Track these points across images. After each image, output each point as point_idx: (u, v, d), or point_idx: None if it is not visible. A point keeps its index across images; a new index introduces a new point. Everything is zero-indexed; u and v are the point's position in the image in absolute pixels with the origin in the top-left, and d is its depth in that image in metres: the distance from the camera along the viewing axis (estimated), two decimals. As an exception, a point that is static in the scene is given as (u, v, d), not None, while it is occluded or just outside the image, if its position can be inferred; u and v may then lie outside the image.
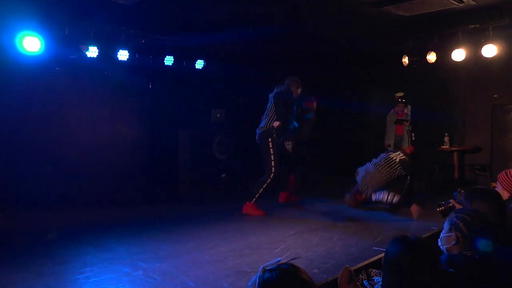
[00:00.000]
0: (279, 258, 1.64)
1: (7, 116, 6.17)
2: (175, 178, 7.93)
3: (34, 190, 5.90)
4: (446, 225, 2.34)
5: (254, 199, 5.71)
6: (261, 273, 1.56)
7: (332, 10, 6.25)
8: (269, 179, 5.65)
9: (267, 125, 5.88)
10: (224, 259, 3.92)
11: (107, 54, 6.57)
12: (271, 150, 5.70)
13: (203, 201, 6.86)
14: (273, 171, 5.66)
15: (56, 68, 6.69)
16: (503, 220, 2.64)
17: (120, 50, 6.68)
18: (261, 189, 5.67)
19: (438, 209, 3.24)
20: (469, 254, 2.19)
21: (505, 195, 3.01)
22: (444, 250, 2.34)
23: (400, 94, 8.72)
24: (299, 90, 6.27)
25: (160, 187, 7.59)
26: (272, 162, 5.66)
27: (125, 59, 6.75)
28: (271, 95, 6.14)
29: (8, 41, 5.62)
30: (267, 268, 1.57)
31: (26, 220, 5.34)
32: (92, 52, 6.32)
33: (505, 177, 3.12)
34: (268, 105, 6.07)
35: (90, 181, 6.76)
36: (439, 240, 2.40)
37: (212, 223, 5.26)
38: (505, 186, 3.07)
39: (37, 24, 5.69)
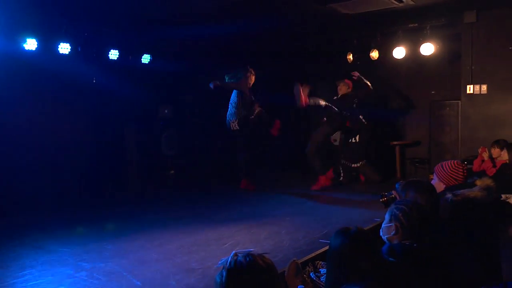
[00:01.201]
0: (251, 250, 1.65)
1: None
2: (121, 175, 7.74)
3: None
4: (387, 216, 2.44)
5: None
6: (233, 256, 1.56)
7: (279, 7, 6.33)
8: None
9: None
10: (172, 256, 3.87)
11: (47, 47, 6.27)
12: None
13: (150, 198, 6.74)
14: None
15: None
16: (437, 211, 2.79)
17: (61, 43, 6.39)
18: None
19: (380, 200, 3.37)
20: (407, 243, 2.30)
21: (441, 186, 3.16)
22: (385, 240, 2.44)
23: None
24: (253, 79, 6.89)
25: (106, 185, 7.37)
26: None
27: (67, 53, 6.47)
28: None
29: None
30: (239, 254, 1.58)
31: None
32: (31, 44, 6.01)
33: (441, 169, 3.26)
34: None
35: (30, 180, 6.43)
36: (380, 230, 2.50)
37: (160, 220, 5.18)
38: (441, 178, 3.22)
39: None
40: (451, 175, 3.18)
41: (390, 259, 2.20)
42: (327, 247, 3.69)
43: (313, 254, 3.68)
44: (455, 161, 3.27)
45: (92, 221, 5.19)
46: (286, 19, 6.93)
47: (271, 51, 8.77)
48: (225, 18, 6.55)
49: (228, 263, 1.54)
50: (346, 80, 7.31)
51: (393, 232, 2.36)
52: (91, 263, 3.71)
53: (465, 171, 3.22)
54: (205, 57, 8.52)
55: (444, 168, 3.24)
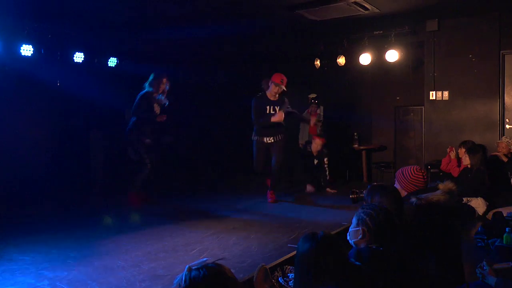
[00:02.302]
0: (205, 259, 1.64)
1: None
2: (86, 181, 7.54)
3: None
4: (354, 220, 2.47)
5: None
6: (187, 272, 1.54)
7: (247, 12, 6.35)
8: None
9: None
10: (139, 263, 3.80)
11: (9, 48, 6.06)
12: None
13: (117, 204, 6.58)
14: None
15: None
16: (402, 214, 2.84)
17: (24, 45, 6.20)
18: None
19: (351, 196, 3.41)
20: (374, 247, 2.34)
21: (402, 193, 3.18)
22: (352, 243, 2.47)
23: (313, 95, 9.06)
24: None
25: (69, 191, 7.16)
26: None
27: (29, 55, 6.28)
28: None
29: None
30: (194, 267, 1.56)
31: None
32: (-9, 46, 5.80)
33: (401, 176, 3.27)
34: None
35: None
36: (348, 234, 2.53)
37: (126, 226, 5.07)
38: (402, 184, 3.24)
39: None
40: (412, 182, 3.22)
41: (357, 263, 2.23)
42: (295, 252, 3.74)
43: (281, 259, 3.69)
44: (415, 167, 3.29)
45: (55, 229, 5.01)
46: (254, 24, 6.96)
47: (238, 56, 8.80)
48: (193, 22, 6.53)
49: (183, 281, 1.53)
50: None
51: (360, 236, 2.39)
52: (54, 272, 3.59)
53: (425, 176, 3.27)
54: (172, 61, 8.45)
55: (405, 174, 3.28)
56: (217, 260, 1.69)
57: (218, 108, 9.51)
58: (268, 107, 6.26)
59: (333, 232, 4.29)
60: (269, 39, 7.98)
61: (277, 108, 6.24)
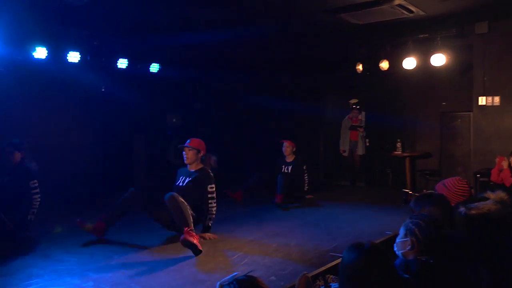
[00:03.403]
0: (235, 273, 1.63)
1: None
2: (130, 184, 7.69)
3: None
4: (401, 231, 2.37)
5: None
6: None
7: (287, 17, 6.31)
8: None
9: None
10: (180, 267, 3.81)
11: (57, 55, 6.30)
12: None
13: (158, 208, 6.66)
14: None
15: (0, 69, 6.35)
16: (452, 225, 2.71)
17: (71, 52, 6.42)
18: None
19: (404, 198, 3.31)
20: (423, 259, 2.23)
21: None
22: (400, 255, 2.37)
23: (354, 100, 8.93)
24: None
25: (114, 194, 7.32)
26: None
27: (76, 61, 6.50)
28: None
29: None
30: (225, 283, 1.55)
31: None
32: (40, 53, 6.04)
33: (444, 188, 3.09)
34: None
35: (41, 187, 6.42)
36: (394, 245, 2.43)
37: (166, 231, 5.11)
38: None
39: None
40: (457, 192, 3.09)
41: (405, 275, 2.13)
42: (338, 261, 3.64)
43: (323, 268, 3.61)
44: (457, 178, 3.18)
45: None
46: (294, 29, 6.92)
47: (278, 61, 8.77)
48: (234, 26, 6.55)
49: None
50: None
51: (409, 247, 2.29)
52: (98, 273, 3.66)
53: (468, 185, 3.14)
54: (214, 65, 8.53)
55: (448, 186, 3.14)
56: (248, 272, 1.70)
57: (255, 113, 9.54)
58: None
59: (377, 242, 4.16)
60: (310, 44, 7.90)
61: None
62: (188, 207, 4.41)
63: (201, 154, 4.91)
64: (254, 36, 6.98)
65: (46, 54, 6.11)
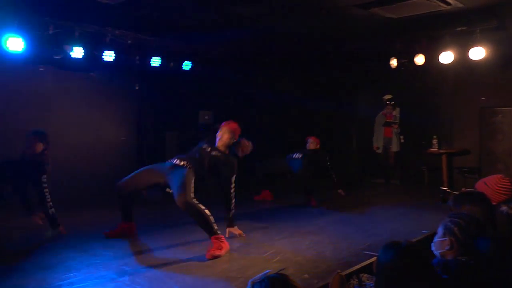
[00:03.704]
0: (267, 271, 1.63)
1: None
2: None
3: (15, 192, 5.73)
4: (439, 230, 2.30)
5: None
6: (250, 287, 1.53)
7: (319, 12, 6.22)
8: None
9: None
10: (213, 264, 3.83)
11: (93, 54, 6.45)
12: None
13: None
14: None
15: (40, 69, 6.56)
16: (494, 225, 2.61)
17: (106, 51, 6.57)
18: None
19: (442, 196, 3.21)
20: (463, 259, 2.15)
21: None
22: (438, 255, 2.30)
23: (388, 96, 8.75)
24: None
25: (146, 190, 7.45)
26: None
27: (111, 60, 6.64)
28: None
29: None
30: (256, 281, 1.55)
31: (9, 221, 5.18)
32: (77, 52, 6.20)
33: (485, 186, 2.99)
34: None
35: (75, 184, 6.62)
36: (432, 244, 2.36)
37: (198, 228, 5.15)
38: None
39: (19, 23, 5.55)
40: (498, 191, 2.98)
41: (444, 276, 2.06)
42: (372, 259, 3.57)
43: (357, 266, 3.55)
44: (499, 176, 3.07)
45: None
46: (326, 24, 6.82)
47: (311, 57, 8.68)
48: (265, 22, 6.52)
49: None
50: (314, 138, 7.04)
51: (447, 247, 2.22)
52: (134, 268, 3.73)
53: (511, 183, 3.00)
54: (245, 62, 8.53)
55: (489, 184, 3.03)
56: (280, 270, 1.69)
57: (289, 110, 9.48)
58: None
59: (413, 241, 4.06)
60: (342, 39, 7.77)
61: None
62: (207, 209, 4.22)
63: (234, 139, 4.74)
64: (285, 33, 6.94)
65: (83, 54, 6.26)
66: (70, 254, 4.09)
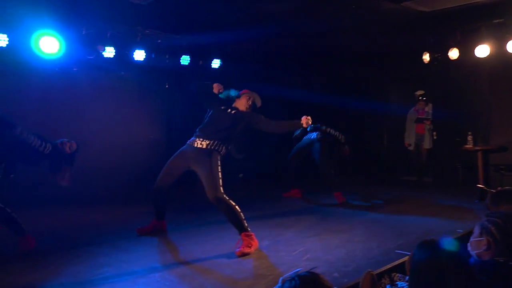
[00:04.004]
0: (298, 269, 1.60)
1: (25, 117, 6.19)
2: (192, 178, 7.87)
3: (50, 190, 5.90)
4: (476, 229, 2.22)
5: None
6: (280, 284, 1.51)
7: (349, 6, 6.13)
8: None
9: None
10: (242, 261, 3.83)
11: (124, 54, 6.57)
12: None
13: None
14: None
15: (74, 69, 6.72)
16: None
17: (137, 50, 6.68)
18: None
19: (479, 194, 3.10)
20: (501, 260, 2.06)
21: None
22: (474, 255, 2.22)
23: (420, 92, 8.55)
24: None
25: (177, 187, 7.53)
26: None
27: (142, 59, 6.75)
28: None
29: (27, 42, 5.66)
30: (287, 279, 1.52)
31: (43, 220, 5.34)
32: (109, 52, 6.33)
33: None
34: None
35: (107, 181, 6.76)
36: (468, 244, 2.27)
37: (228, 225, 5.17)
38: None
39: (54, 25, 5.71)
40: None
41: (482, 277, 1.98)
42: (404, 258, 3.49)
43: (389, 266, 3.47)
44: None
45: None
46: (357, 19, 6.70)
47: (341, 52, 8.56)
48: (292, 19, 6.47)
49: None
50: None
51: (484, 247, 2.13)
52: (164, 264, 3.77)
53: None
54: (273, 59, 8.49)
55: None
56: (311, 269, 1.66)
57: (318, 108, 9.37)
58: None
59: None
60: (373, 34, 7.63)
61: None
62: (237, 205, 4.17)
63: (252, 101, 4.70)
64: (314, 29, 6.86)
65: (114, 53, 6.38)
66: (103, 250, 4.17)
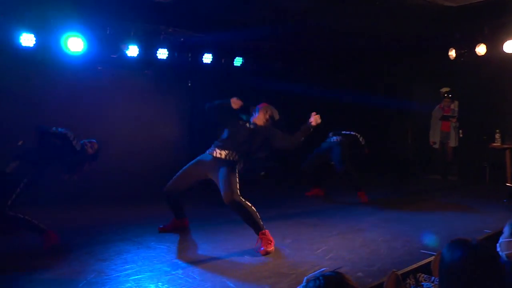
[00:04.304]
0: (323, 269, 1.58)
1: (51, 115, 6.32)
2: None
3: (74, 187, 6.00)
4: (506, 230, 2.15)
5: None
6: (305, 283, 1.49)
7: (373, 2, 6.04)
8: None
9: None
10: (264, 259, 3.83)
11: (147, 53, 6.62)
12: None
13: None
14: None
15: (98, 68, 6.81)
16: None
17: (160, 49, 6.73)
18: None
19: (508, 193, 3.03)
20: (534, 262, 2.00)
21: None
22: (504, 256, 2.15)
23: (446, 89, 8.40)
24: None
25: (199, 186, 7.57)
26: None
27: (165, 58, 6.80)
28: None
29: (53, 41, 5.77)
30: (311, 278, 1.50)
31: (70, 217, 5.44)
32: (133, 51, 6.39)
33: None
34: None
35: (131, 179, 6.83)
36: (497, 245, 2.21)
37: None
38: None
39: (80, 24, 5.81)
40: None
41: (512, 279, 1.92)
42: (430, 259, 3.42)
43: (414, 266, 3.41)
44: None
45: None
46: (381, 15, 6.60)
47: (364, 49, 8.45)
48: (316, 16, 6.41)
49: None
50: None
51: (516, 248, 2.07)
52: (187, 262, 3.79)
53: None
54: (297, 57, 8.45)
55: None
56: (336, 269, 1.63)
57: (342, 105, 9.29)
58: None
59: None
60: (398, 30, 7.50)
61: None
62: (253, 206, 4.21)
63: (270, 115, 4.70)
64: (338, 25, 6.79)
65: (138, 52, 6.45)
66: (127, 246, 4.23)
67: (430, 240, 4.30)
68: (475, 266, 1.69)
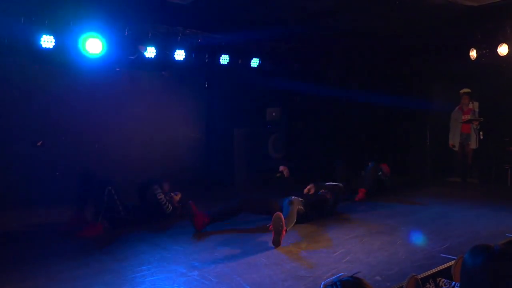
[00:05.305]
0: (340, 274, 1.55)
1: (71, 116, 6.41)
2: (231, 177, 7.92)
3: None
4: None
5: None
6: None
7: (393, 2, 5.96)
8: None
9: None
10: (281, 262, 3.80)
11: (164, 54, 6.66)
12: None
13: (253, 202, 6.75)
14: None
15: (117, 69, 6.88)
16: None
17: (177, 50, 6.76)
18: None
19: None
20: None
21: None
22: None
23: (466, 90, 8.25)
24: None
25: (216, 186, 7.60)
26: None
27: (182, 59, 6.82)
28: None
29: (72, 43, 5.84)
30: (328, 284, 1.47)
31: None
32: (150, 52, 6.43)
33: None
34: None
35: (141, 176, 6.86)
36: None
37: (266, 224, 5.14)
38: None
39: (99, 26, 5.86)
40: None
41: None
42: (450, 263, 3.36)
43: (434, 270, 3.35)
44: None
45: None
46: (400, 15, 6.51)
47: (385, 50, 8.35)
48: (335, 17, 6.35)
49: None
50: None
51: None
52: (203, 263, 3.78)
53: None
54: (314, 58, 8.40)
55: None
56: (354, 274, 1.60)
57: (359, 106, 9.22)
58: None
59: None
60: (417, 30, 7.39)
61: None
62: None
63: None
64: (357, 26, 6.72)
65: (155, 53, 6.48)
66: (143, 247, 4.25)
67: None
68: (497, 272, 1.64)
